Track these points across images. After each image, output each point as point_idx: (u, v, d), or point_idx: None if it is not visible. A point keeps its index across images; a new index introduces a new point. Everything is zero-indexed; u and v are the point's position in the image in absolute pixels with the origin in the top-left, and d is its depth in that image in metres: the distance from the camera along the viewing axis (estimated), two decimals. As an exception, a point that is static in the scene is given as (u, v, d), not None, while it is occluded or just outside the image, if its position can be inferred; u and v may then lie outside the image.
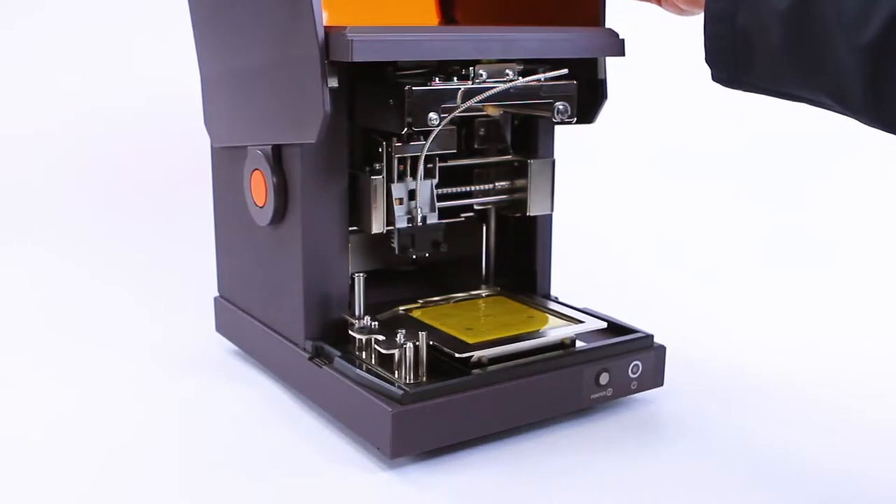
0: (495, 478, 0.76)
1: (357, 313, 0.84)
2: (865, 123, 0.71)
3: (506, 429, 0.81)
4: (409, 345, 0.79)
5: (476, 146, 0.95)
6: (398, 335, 0.80)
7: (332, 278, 0.86)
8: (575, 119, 0.83)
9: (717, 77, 0.78)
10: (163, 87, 1.67)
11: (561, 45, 0.86)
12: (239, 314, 0.98)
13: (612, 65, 0.93)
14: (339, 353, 0.82)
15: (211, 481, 0.75)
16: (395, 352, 0.79)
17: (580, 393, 0.84)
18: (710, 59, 0.77)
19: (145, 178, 1.65)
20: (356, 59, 0.75)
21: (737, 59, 0.75)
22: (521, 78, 0.83)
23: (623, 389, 0.87)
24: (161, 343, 1.06)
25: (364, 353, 0.83)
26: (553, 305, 0.94)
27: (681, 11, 0.87)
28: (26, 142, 1.69)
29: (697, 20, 0.84)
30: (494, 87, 0.81)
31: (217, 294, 1.04)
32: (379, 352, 0.81)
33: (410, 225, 0.88)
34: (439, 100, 0.80)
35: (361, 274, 0.85)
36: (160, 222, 1.55)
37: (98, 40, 1.73)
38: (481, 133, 0.95)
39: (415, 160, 0.87)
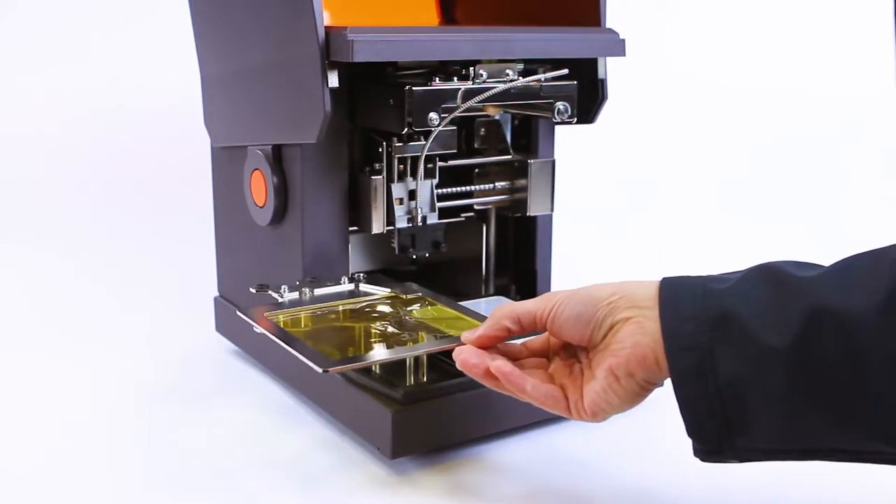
0: (495, 478, 0.76)
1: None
2: None
3: (505, 429, 0.81)
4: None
5: (476, 146, 0.95)
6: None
7: (332, 278, 0.86)
8: (575, 119, 0.83)
9: (702, 450, 0.61)
10: (163, 87, 1.67)
11: (561, 45, 0.86)
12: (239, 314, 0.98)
13: (612, 65, 0.93)
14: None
15: (211, 481, 0.75)
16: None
17: (580, 393, 0.84)
18: (690, 429, 0.61)
19: (145, 178, 1.65)
20: (357, 59, 0.75)
21: (727, 419, 0.59)
22: (521, 78, 0.83)
23: (623, 389, 0.86)
24: (161, 343, 1.06)
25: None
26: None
27: (636, 393, 0.65)
28: (26, 142, 1.69)
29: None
30: (494, 87, 0.81)
31: (217, 294, 1.04)
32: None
33: (410, 225, 0.88)
34: (439, 100, 0.80)
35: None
36: (160, 222, 1.55)
37: (98, 40, 1.73)
38: (481, 133, 0.95)
39: (415, 160, 0.87)
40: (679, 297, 0.61)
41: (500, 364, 0.67)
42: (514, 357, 0.70)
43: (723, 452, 0.61)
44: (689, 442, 0.74)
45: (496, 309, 0.70)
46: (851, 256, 0.60)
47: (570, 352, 0.70)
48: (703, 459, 0.62)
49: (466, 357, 0.68)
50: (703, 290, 0.61)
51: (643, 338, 0.62)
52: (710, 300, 0.60)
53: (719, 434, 0.60)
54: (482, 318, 0.81)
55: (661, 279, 0.64)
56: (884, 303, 0.54)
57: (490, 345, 0.70)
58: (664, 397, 0.90)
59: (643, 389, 0.64)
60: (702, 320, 0.59)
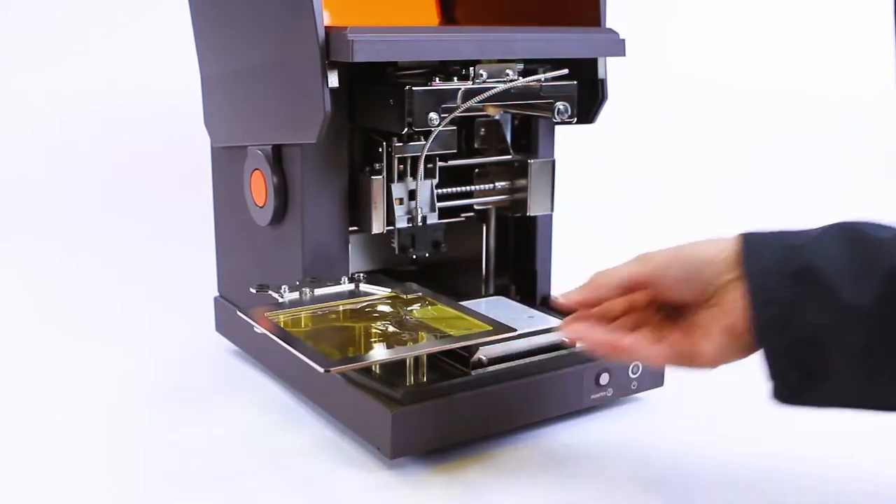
0: (495, 478, 0.76)
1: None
2: None
3: (506, 429, 0.81)
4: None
5: (476, 146, 0.95)
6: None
7: (332, 278, 0.86)
8: (575, 119, 0.83)
9: (779, 394, 0.63)
10: (163, 87, 1.67)
11: (561, 45, 0.86)
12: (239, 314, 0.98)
13: (612, 65, 0.93)
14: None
15: (211, 481, 0.75)
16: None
17: (580, 393, 0.84)
18: (772, 374, 0.62)
19: (145, 178, 1.65)
20: (357, 59, 0.75)
21: (808, 368, 0.61)
22: (521, 78, 0.83)
23: (623, 389, 0.87)
24: (161, 343, 1.06)
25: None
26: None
27: (733, 341, 0.65)
28: (25, 141, 1.69)
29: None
30: (494, 87, 0.81)
31: (217, 294, 1.04)
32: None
33: (410, 225, 0.88)
34: (439, 100, 0.80)
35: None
36: (160, 222, 1.55)
37: (98, 40, 1.73)
38: (481, 133, 0.95)
39: (415, 160, 0.87)
40: (760, 252, 0.63)
41: (616, 337, 0.69)
42: (608, 319, 0.72)
43: (802, 399, 0.62)
44: (689, 442, 0.74)
45: (595, 275, 0.70)
46: None
47: (664, 308, 0.70)
48: (782, 402, 0.63)
49: (577, 331, 0.72)
50: (783, 244, 0.62)
51: None
52: (790, 254, 0.61)
53: (800, 383, 0.61)
54: (482, 319, 0.81)
55: (740, 234, 0.65)
56: None
57: (587, 308, 0.72)
58: (663, 398, 0.90)
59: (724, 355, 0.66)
60: (784, 275, 0.61)
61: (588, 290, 0.71)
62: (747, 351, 0.65)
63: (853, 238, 0.61)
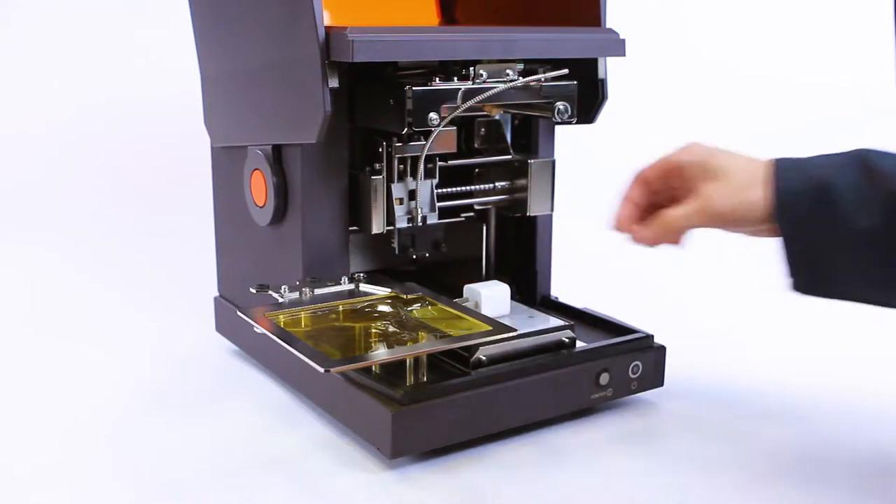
0: (495, 478, 0.76)
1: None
2: None
3: (506, 429, 0.81)
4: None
5: (476, 146, 0.95)
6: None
7: (333, 278, 0.86)
8: (575, 119, 0.83)
9: (795, 286, 0.75)
10: (163, 87, 1.67)
11: (561, 45, 0.86)
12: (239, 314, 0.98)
13: (612, 65, 0.93)
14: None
15: (210, 481, 0.75)
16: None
17: (580, 393, 0.84)
18: (788, 271, 0.74)
19: (145, 178, 1.65)
20: (357, 59, 0.75)
21: (816, 271, 0.73)
22: (521, 78, 0.83)
23: (623, 389, 0.87)
24: (161, 343, 1.06)
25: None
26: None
27: (753, 232, 0.80)
28: (25, 141, 1.69)
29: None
30: (495, 87, 0.81)
31: (217, 294, 1.04)
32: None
33: (410, 225, 0.88)
34: (440, 100, 0.80)
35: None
36: (160, 222, 1.55)
37: (98, 40, 1.73)
38: (481, 133, 0.95)
39: (415, 160, 0.87)
40: (789, 177, 0.75)
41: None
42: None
43: (816, 292, 0.74)
44: (688, 442, 0.74)
45: (670, 216, 0.81)
46: None
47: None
48: (799, 293, 0.75)
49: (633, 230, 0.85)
50: (809, 169, 0.74)
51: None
52: (812, 174, 0.73)
53: (814, 280, 0.74)
54: (482, 319, 0.81)
55: (773, 159, 0.77)
56: None
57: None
58: (663, 398, 0.90)
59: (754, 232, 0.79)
60: (806, 194, 0.73)
61: (664, 234, 0.82)
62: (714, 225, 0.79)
63: (865, 166, 0.72)
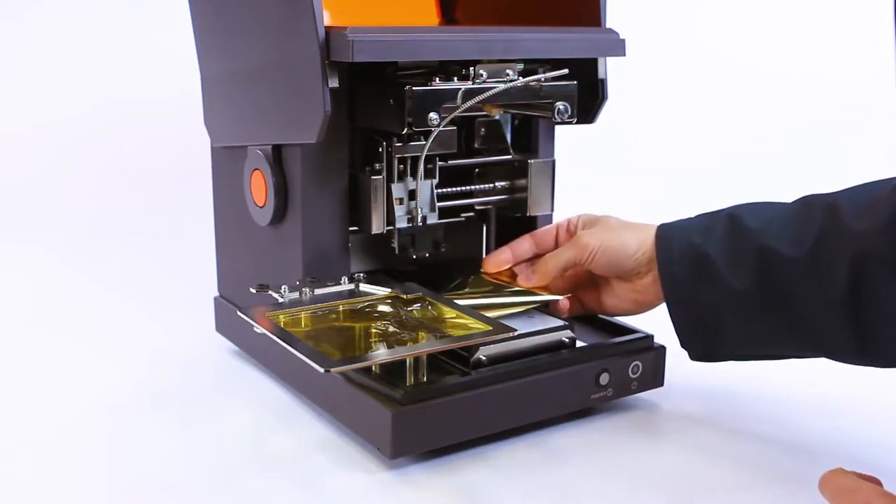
0: (495, 478, 0.76)
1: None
2: (857, 364, 0.75)
3: (506, 429, 0.81)
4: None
5: (476, 146, 0.95)
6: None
7: (333, 278, 0.86)
8: (575, 119, 0.83)
9: (694, 356, 0.83)
10: (163, 87, 1.67)
11: (561, 45, 0.86)
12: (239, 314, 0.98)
13: (612, 65, 0.93)
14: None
15: (210, 481, 0.75)
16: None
17: (580, 393, 0.84)
18: (683, 341, 0.82)
19: (145, 178, 1.65)
20: (357, 59, 0.75)
21: (708, 335, 0.80)
22: (521, 78, 0.83)
23: (623, 389, 0.87)
24: (161, 343, 1.06)
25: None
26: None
27: (636, 307, 0.87)
28: (25, 141, 1.69)
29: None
30: (495, 87, 0.81)
31: (217, 294, 1.04)
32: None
33: (410, 225, 0.88)
34: (440, 100, 0.80)
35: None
36: (160, 222, 1.55)
37: (98, 40, 1.73)
38: (481, 133, 0.95)
39: (415, 160, 0.87)
40: (670, 247, 0.81)
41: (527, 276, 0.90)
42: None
43: (708, 358, 0.83)
44: (688, 442, 0.74)
45: (540, 263, 0.88)
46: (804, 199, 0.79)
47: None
48: (694, 360, 0.83)
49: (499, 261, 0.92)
50: (688, 236, 0.80)
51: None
52: (692, 244, 0.80)
53: (705, 346, 0.82)
54: (482, 319, 0.81)
55: (658, 227, 0.83)
56: (810, 252, 0.73)
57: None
58: (663, 398, 0.90)
59: (636, 307, 0.88)
60: (685, 263, 0.80)
61: (538, 278, 0.89)
62: (641, 311, 0.87)
63: (736, 226, 0.78)
